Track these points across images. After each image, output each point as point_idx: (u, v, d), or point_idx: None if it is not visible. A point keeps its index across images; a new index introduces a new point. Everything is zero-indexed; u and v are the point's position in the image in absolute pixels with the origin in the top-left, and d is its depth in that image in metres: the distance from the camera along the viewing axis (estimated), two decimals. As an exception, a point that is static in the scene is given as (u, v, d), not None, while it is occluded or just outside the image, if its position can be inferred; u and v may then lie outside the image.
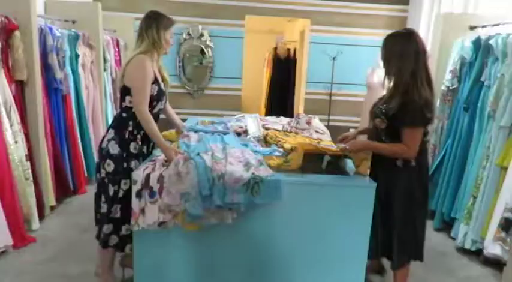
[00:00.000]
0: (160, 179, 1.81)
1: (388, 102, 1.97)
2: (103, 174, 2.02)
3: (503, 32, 2.88)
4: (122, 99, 2.06)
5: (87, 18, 3.96)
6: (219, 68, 5.35)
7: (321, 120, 5.12)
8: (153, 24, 2.04)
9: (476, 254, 2.88)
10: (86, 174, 3.79)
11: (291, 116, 6.03)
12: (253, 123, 2.63)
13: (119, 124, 2.05)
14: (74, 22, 3.90)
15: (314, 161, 2.08)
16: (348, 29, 5.29)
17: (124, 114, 2.06)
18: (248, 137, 2.60)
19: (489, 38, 2.93)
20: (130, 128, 2.04)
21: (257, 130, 2.61)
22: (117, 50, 4.69)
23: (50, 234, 2.87)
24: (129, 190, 1.90)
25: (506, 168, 2.64)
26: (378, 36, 5.32)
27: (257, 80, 7.03)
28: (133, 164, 2.03)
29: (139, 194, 1.80)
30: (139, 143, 2.07)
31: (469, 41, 3.19)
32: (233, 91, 5.43)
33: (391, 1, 5.28)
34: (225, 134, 2.57)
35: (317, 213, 1.91)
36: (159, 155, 2.04)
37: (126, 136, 2.03)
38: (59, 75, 3.28)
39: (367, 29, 5.33)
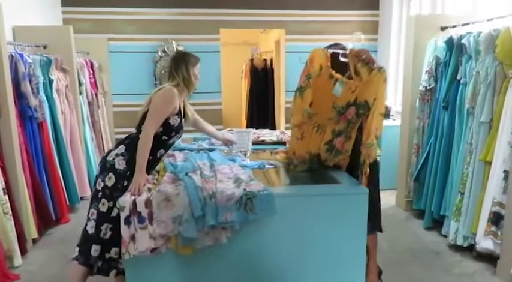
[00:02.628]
0: (148, 203, 1.74)
1: None
2: (99, 187, 1.98)
3: (473, 31, 2.97)
4: (142, 122, 2.08)
5: (58, 42, 3.87)
6: (198, 83, 5.30)
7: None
8: (182, 63, 2.17)
9: (469, 250, 2.91)
10: (67, 203, 3.66)
11: (273, 126, 6.09)
12: (242, 137, 2.61)
13: (132, 143, 2.05)
14: (45, 47, 3.80)
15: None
16: (322, 37, 5.36)
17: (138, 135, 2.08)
18: (234, 151, 2.57)
19: (461, 37, 3.01)
20: None
21: (246, 145, 2.59)
22: (91, 72, 4.60)
23: (34, 270, 2.73)
24: None
25: (490, 163, 2.69)
26: (352, 41, 5.41)
27: (236, 92, 7.03)
28: None
29: (127, 221, 1.73)
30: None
31: (441, 41, 3.27)
32: (213, 105, 5.40)
33: (362, 7, 5.40)
34: (210, 150, 2.54)
35: (311, 224, 1.88)
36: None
37: (135, 156, 2.01)
38: (33, 102, 3.16)
39: (341, 35, 5.40)
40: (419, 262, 2.83)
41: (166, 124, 2.08)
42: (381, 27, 5.40)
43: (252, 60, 6.64)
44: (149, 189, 1.80)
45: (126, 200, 1.74)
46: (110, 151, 2.09)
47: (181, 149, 2.56)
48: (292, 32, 5.38)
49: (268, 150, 2.97)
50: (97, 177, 2.05)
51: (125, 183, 1.97)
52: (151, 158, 2.05)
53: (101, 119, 4.74)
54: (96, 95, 4.66)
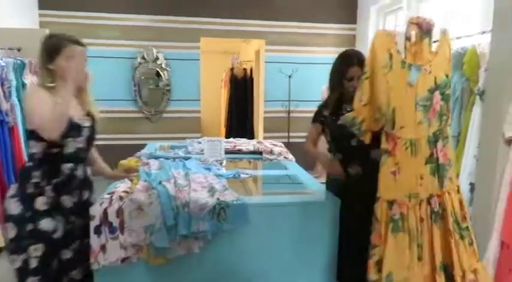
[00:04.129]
0: (120, 212, 1.73)
1: None
2: (4, 244, 1.71)
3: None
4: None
5: (33, 45, 3.71)
6: (177, 90, 5.29)
7: (280, 137, 5.25)
8: (40, 54, 1.72)
9: (438, 260, 2.99)
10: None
11: (251, 135, 6.12)
12: (214, 146, 2.62)
13: (21, 176, 1.69)
14: (19, 50, 3.71)
15: None
16: (301, 48, 5.46)
17: (27, 164, 1.70)
18: (210, 160, 2.57)
19: (432, 54, 3.12)
20: (34, 180, 1.65)
21: (218, 154, 2.60)
22: (67, 76, 4.51)
23: (-1, 279, 2.63)
24: (46, 256, 1.62)
25: (457, 175, 2.78)
26: (330, 53, 5.53)
27: (215, 101, 7.03)
28: (44, 223, 1.63)
29: (98, 230, 1.70)
30: (52, 195, 1.67)
31: (414, 57, 3.38)
32: (192, 113, 5.38)
33: (340, 21, 5.54)
34: (186, 159, 2.54)
35: (284, 233, 1.90)
36: (117, 186, 1.95)
37: (30, 190, 1.64)
38: (4, 106, 3.08)
39: (319, 47, 5.53)
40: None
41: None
42: (357, 41, 5.55)
43: (232, 69, 6.66)
44: (121, 198, 1.78)
45: (96, 209, 1.72)
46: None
47: (156, 157, 2.55)
48: (272, 43, 5.45)
49: (245, 160, 3.00)
50: None
51: (31, 227, 1.62)
52: (55, 181, 1.68)
53: (76, 125, 4.65)
54: (71, 100, 4.58)
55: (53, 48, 1.69)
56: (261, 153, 3.00)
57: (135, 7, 5.06)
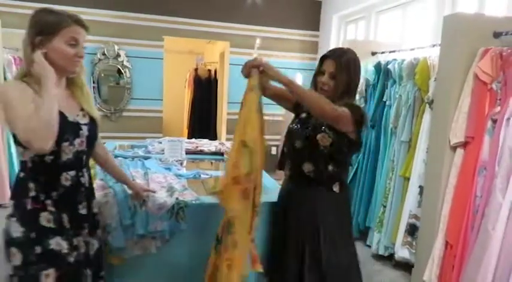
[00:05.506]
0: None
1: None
2: (12, 272, 1.34)
3: (398, 58, 3.27)
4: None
5: (-17, 35, 3.58)
6: (138, 89, 5.19)
7: (243, 139, 5.28)
8: (29, 31, 1.35)
9: (389, 259, 3.14)
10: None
11: (214, 136, 6.11)
12: (175, 146, 2.60)
13: (16, 190, 1.39)
14: (-33, 39, 3.50)
15: None
16: (265, 52, 5.53)
17: (21, 174, 1.38)
18: (170, 160, 2.55)
19: (388, 63, 3.29)
20: (32, 193, 1.34)
21: (179, 154, 2.59)
22: (20, 70, 4.29)
23: None
24: (61, 280, 1.37)
25: (408, 179, 2.96)
26: (293, 59, 5.66)
27: (178, 101, 6.95)
28: (53, 243, 1.35)
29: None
30: (53, 210, 1.37)
31: (371, 65, 3.55)
32: (154, 113, 5.29)
33: (303, 27, 5.67)
34: (146, 158, 2.50)
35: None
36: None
37: (30, 206, 1.34)
38: None
39: (283, 52, 5.63)
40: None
41: None
42: (320, 47, 5.71)
43: (196, 69, 6.63)
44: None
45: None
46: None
47: (115, 156, 2.49)
48: (237, 45, 5.48)
49: (207, 160, 3.00)
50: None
51: (40, 250, 1.34)
52: (55, 194, 1.37)
53: (28, 121, 4.42)
54: (24, 94, 4.35)
55: (51, 25, 1.33)
56: (222, 154, 3.01)
57: (96, 2, 4.91)
